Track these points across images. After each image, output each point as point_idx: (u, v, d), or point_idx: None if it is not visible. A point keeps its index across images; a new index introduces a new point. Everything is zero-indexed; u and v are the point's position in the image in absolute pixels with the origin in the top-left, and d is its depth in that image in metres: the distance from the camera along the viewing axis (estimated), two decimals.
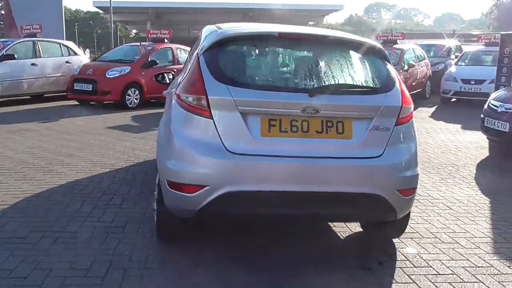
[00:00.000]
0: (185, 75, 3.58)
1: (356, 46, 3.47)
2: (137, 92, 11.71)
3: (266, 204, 3.09)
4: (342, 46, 3.51)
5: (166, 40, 13.37)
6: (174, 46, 13.11)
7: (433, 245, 3.79)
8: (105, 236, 3.71)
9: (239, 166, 3.04)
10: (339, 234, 3.98)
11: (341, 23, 69.62)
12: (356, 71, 3.35)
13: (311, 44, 3.50)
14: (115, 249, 3.49)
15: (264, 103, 3.08)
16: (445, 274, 3.32)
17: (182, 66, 14.16)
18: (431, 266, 3.43)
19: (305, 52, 3.48)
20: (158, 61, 12.13)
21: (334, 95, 3.16)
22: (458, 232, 4.10)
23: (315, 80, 3.22)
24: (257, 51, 3.33)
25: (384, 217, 3.42)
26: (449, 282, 3.20)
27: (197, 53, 3.36)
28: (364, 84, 3.32)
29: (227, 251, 3.58)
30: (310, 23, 38.16)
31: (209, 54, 3.24)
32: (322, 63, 3.41)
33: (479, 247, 3.79)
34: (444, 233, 4.07)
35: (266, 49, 3.40)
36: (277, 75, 3.21)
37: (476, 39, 19.45)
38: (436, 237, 3.96)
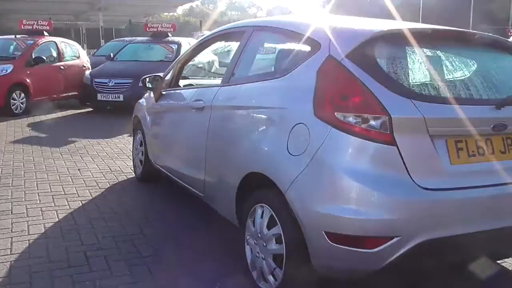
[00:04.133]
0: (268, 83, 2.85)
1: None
2: (22, 95, 9.74)
3: (468, 248, 2.45)
4: (499, 47, 2.91)
5: (46, 33, 11.37)
6: (57, 39, 11.26)
7: None
8: None
9: (435, 205, 2.33)
10: None
11: (181, 14, 68.81)
12: None
13: (473, 44, 2.81)
14: None
15: (455, 121, 2.41)
16: None
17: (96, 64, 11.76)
18: None
19: (471, 54, 2.86)
20: (44, 58, 10.26)
21: None
22: None
23: (493, 88, 2.66)
24: (418, 53, 2.63)
25: None
26: None
27: (330, 55, 2.52)
28: None
29: None
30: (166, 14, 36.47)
31: (361, 57, 2.43)
32: (494, 67, 2.86)
33: None
34: None
35: (428, 50, 2.72)
36: (456, 84, 2.58)
37: None
38: None
